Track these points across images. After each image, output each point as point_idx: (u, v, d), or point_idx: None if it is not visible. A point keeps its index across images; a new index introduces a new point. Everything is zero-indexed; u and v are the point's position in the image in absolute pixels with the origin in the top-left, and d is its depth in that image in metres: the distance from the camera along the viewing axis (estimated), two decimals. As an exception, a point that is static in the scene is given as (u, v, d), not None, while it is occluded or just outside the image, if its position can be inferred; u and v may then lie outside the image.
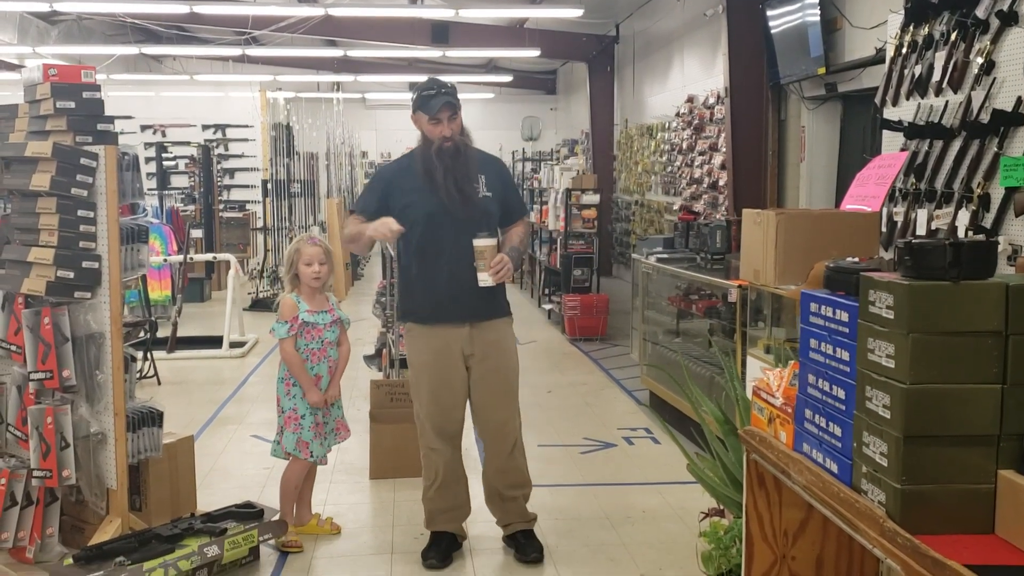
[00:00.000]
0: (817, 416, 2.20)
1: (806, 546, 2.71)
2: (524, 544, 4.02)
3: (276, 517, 4.07)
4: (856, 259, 2.32)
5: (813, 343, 2.22)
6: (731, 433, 3.53)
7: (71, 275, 3.74)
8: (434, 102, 3.82)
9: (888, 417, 1.86)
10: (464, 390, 3.94)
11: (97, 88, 3.86)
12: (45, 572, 3.59)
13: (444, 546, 4.01)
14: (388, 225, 3.76)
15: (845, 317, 2.07)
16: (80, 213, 3.76)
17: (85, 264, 3.77)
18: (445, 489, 3.99)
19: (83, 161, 3.75)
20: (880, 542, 1.86)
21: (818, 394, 2.19)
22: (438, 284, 3.84)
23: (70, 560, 3.54)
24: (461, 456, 4.08)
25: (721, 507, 3.61)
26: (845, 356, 2.06)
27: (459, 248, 3.78)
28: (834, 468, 2.11)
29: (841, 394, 2.08)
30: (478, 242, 3.74)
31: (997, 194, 3.78)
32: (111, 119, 3.90)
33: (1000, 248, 3.74)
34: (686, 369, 4.49)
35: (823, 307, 2.18)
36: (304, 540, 4.14)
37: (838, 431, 2.09)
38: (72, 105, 3.78)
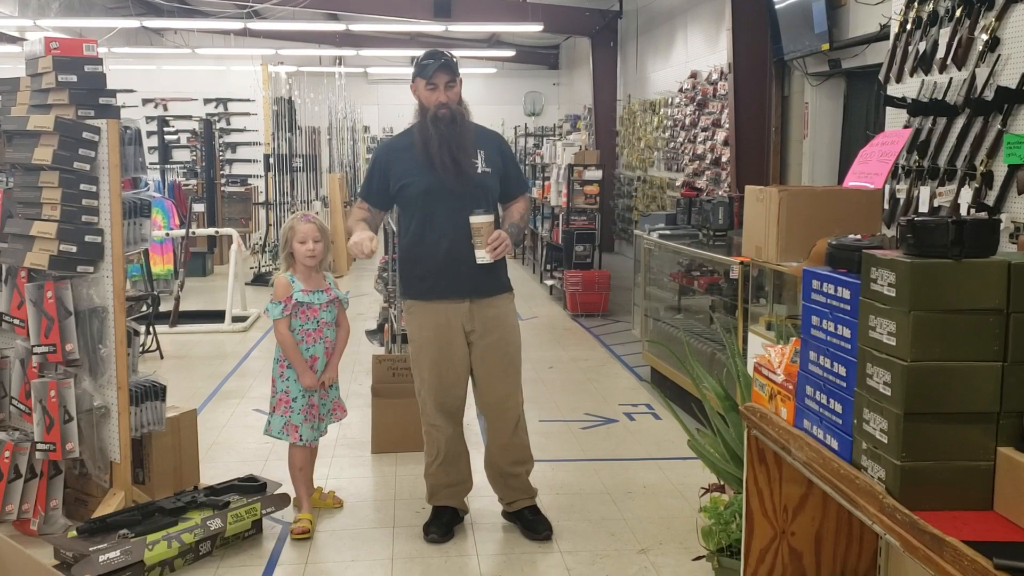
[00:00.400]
0: (818, 393, 2.20)
1: (806, 522, 2.73)
2: (532, 521, 4.03)
3: (279, 491, 4.09)
4: (858, 236, 2.31)
5: (815, 320, 2.23)
6: (732, 409, 3.54)
7: (74, 249, 3.75)
8: (431, 66, 3.80)
9: (889, 394, 1.87)
10: (466, 366, 3.92)
11: (99, 62, 3.85)
12: (49, 544, 3.62)
13: (446, 520, 4.03)
14: (361, 247, 3.75)
15: (847, 294, 2.07)
16: (82, 187, 3.76)
17: (88, 238, 3.78)
18: (447, 465, 4.00)
19: (85, 135, 3.75)
20: (879, 518, 1.87)
21: (819, 371, 2.20)
22: (437, 261, 3.83)
23: (74, 532, 3.56)
24: (463, 432, 4.09)
25: (721, 482, 3.63)
26: (846, 333, 2.07)
27: (457, 224, 3.78)
28: (834, 444, 2.12)
29: (842, 371, 2.09)
30: (475, 219, 3.73)
31: (1000, 172, 3.77)
32: (113, 93, 3.89)
33: (1003, 226, 3.73)
34: (687, 345, 4.50)
35: (825, 284, 2.18)
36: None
37: (839, 408, 2.10)
38: (74, 79, 3.78)
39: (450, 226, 3.80)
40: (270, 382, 4.20)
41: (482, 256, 3.75)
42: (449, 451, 3.99)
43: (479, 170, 3.87)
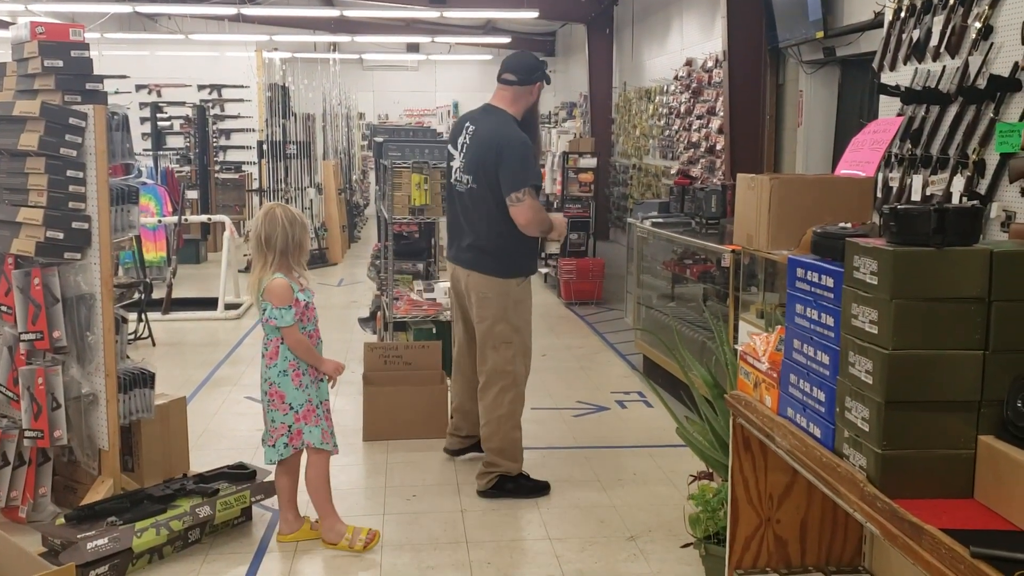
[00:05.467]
0: (801, 381, 2.20)
1: (791, 509, 2.73)
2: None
3: (268, 478, 4.08)
4: (849, 224, 2.31)
5: (799, 308, 2.22)
6: (720, 397, 3.54)
7: (61, 236, 3.74)
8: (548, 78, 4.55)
9: (870, 383, 1.86)
10: None
11: (85, 47, 3.83)
12: (37, 532, 3.62)
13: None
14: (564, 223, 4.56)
15: (830, 282, 2.07)
16: (69, 173, 3.74)
17: (75, 225, 3.76)
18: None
19: (72, 121, 3.72)
20: (860, 506, 1.87)
21: (803, 359, 2.19)
22: (539, 241, 4.54)
23: (62, 520, 3.56)
24: None
25: (710, 470, 3.63)
26: (830, 321, 2.06)
27: None
28: (817, 433, 2.11)
29: (825, 359, 2.08)
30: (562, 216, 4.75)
31: (992, 160, 3.76)
32: (100, 78, 3.87)
33: (994, 215, 3.73)
34: (677, 333, 4.51)
35: (809, 272, 2.18)
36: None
37: (822, 396, 2.10)
38: (60, 64, 3.76)
39: None
40: (270, 400, 3.75)
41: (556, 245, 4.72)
42: None
43: None
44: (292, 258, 3.72)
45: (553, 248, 4.30)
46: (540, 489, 4.36)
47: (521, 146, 4.24)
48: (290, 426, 3.74)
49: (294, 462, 3.85)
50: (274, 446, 3.76)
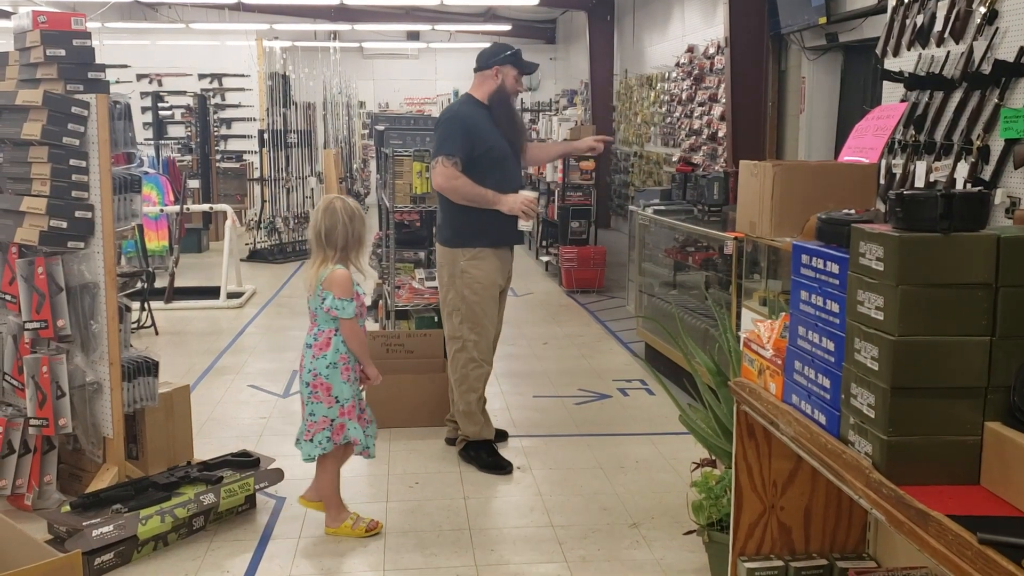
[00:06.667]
0: (806, 368, 2.20)
1: (795, 496, 2.74)
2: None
3: (272, 466, 4.09)
4: (852, 211, 2.30)
5: (804, 295, 2.22)
6: (723, 384, 3.54)
7: (64, 225, 3.74)
8: (531, 67, 4.67)
9: (876, 369, 1.86)
10: None
11: (87, 35, 3.82)
12: (43, 519, 3.63)
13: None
14: (528, 202, 4.43)
15: (835, 269, 2.06)
16: (72, 162, 3.74)
17: (78, 214, 3.76)
18: (481, 400, 4.63)
19: (74, 110, 3.72)
20: (866, 492, 1.87)
21: (808, 346, 2.19)
22: (507, 215, 4.48)
23: (67, 507, 3.57)
24: None
25: (713, 457, 3.64)
26: (835, 308, 2.06)
27: (516, 187, 4.53)
28: (822, 419, 2.11)
29: (830, 346, 2.08)
30: (532, 193, 4.53)
31: (997, 146, 3.75)
32: (102, 67, 3.86)
33: (998, 200, 3.72)
34: (680, 321, 4.50)
35: (814, 259, 2.17)
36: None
37: (827, 383, 2.10)
38: (62, 53, 3.75)
39: (515, 187, 4.53)
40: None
41: (525, 224, 4.53)
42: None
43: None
44: (352, 253, 3.71)
45: (523, 226, 4.50)
46: (497, 467, 4.48)
47: (447, 120, 4.57)
48: (332, 420, 3.66)
49: (343, 455, 3.82)
50: (311, 440, 3.66)
